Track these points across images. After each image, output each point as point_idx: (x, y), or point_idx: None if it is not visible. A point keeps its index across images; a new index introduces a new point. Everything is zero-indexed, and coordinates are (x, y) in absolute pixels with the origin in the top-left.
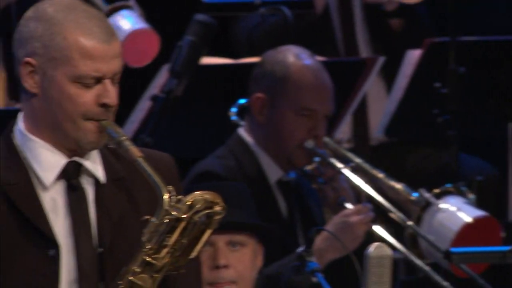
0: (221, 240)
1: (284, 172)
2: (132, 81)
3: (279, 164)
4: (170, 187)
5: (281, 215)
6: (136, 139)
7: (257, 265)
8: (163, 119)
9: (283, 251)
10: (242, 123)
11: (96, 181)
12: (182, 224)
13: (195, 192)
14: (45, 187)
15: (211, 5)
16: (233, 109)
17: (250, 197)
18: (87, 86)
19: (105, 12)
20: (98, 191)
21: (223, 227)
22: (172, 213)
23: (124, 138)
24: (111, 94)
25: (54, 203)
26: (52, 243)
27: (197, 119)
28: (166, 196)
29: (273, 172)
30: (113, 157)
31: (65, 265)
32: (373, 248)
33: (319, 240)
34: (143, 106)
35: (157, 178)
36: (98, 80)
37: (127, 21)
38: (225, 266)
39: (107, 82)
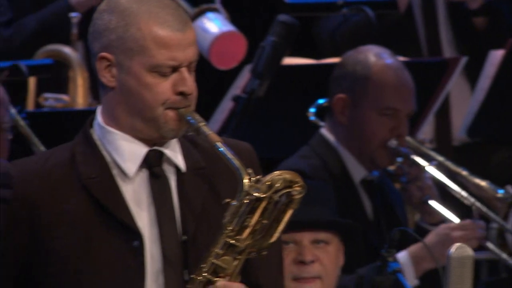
0: (306, 237)
1: (367, 172)
2: (214, 82)
3: (363, 163)
4: (250, 170)
5: (366, 214)
6: None
7: (339, 262)
8: (245, 119)
9: (366, 250)
10: (321, 123)
11: (177, 170)
12: (263, 204)
13: (274, 172)
14: (126, 179)
15: (294, 6)
16: (312, 110)
17: (332, 196)
18: (164, 75)
19: (191, 15)
20: (179, 179)
21: (309, 225)
22: (252, 193)
23: (202, 124)
24: (188, 82)
25: (136, 193)
26: (135, 234)
27: (278, 120)
28: (245, 178)
29: (357, 171)
30: (192, 148)
31: (150, 255)
32: (454, 248)
33: (417, 247)
34: (225, 107)
35: (236, 161)
36: (175, 69)
37: (214, 24)
38: (311, 262)
39: (183, 70)
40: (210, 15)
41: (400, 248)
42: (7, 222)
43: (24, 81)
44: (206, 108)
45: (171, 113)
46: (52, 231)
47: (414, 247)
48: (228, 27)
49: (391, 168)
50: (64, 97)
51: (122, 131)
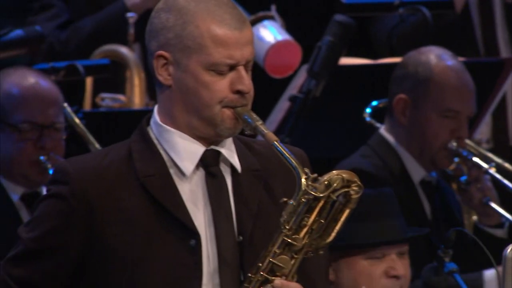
0: (394, 251)
1: (426, 172)
2: (271, 82)
3: (422, 164)
4: (307, 169)
5: (425, 215)
6: None
7: None
8: (301, 119)
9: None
10: (377, 124)
11: (233, 170)
12: (320, 204)
13: (332, 171)
14: (183, 177)
15: (350, 6)
16: (368, 110)
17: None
18: (221, 74)
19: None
20: (235, 179)
21: (402, 241)
22: (310, 192)
23: (259, 123)
24: (245, 80)
25: (192, 193)
26: (192, 233)
27: (334, 119)
28: (303, 177)
29: (416, 172)
30: (246, 150)
31: (206, 255)
32: (510, 249)
33: None
34: (282, 107)
35: (293, 160)
36: (232, 67)
37: (269, 32)
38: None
39: (241, 69)
40: (266, 23)
41: (457, 249)
42: (64, 219)
43: (81, 81)
44: (263, 108)
45: (228, 112)
46: (109, 228)
47: None
48: (283, 36)
49: (450, 169)
50: (121, 97)
51: (179, 130)
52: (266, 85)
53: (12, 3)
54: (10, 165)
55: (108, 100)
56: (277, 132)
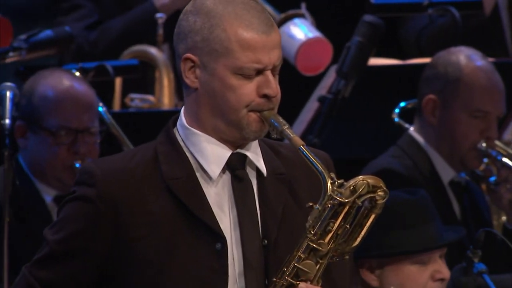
0: (437, 254)
1: (456, 173)
2: (300, 82)
3: (452, 164)
4: (332, 174)
5: (455, 215)
6: (303, 140)
7: None
8: (330, 120)
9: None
10: (406, 125)
11: (258, 174)
12: (345, 209)
13: (357, 177)
14: (209, 181)
15: (379, 6)
16: (396, 111)
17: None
18: (248, 78)
19: (278, 20)
20: (260, 183)
21: (447, 245)
22: (335, 197)
23: (286, 127)
24: (272, 84)
25: (218, 196)
26: (218, 236)
27: (364, 120)
28: (328, 182)
29: (446, 172)
30: (271, 153)
31: (231, 258)
32: None
33: None
34: (311, 107)
35: (319, 165)
36: (259, 71)
37: (300, 30)
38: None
39: (268, 73)
40: (297, 21)
41: (486, 249)
42: (90, 222)
43: (110, 81)
44: (291, 108)
45: (254, 115)
46: (135, 231)
47: None
48: (314, 33)
49: (479, 169)
50: (150, 97)
51: (205, 133)
52: (295, 85)
53: (42, 3)
54: (44, 168)
55: (137, 100)
56: (305, 133)
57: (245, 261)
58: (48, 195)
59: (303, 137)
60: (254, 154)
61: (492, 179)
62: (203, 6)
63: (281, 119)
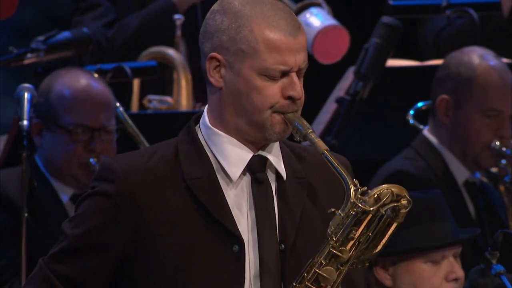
0: (451, 253)
1: (470, 173)
2: (318, 83)
3: (466, 165)
4: (356, 180)
5: (470, 216)
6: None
7: None
8: (349, 121)
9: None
10: (420, 126)
11: (278, 177)
12: (368, 217)
13: (382, 185)
14: (229, 182)
15: (398, 7)
16: (411, 112)
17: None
18: (273, 79)
19: (294, 9)
20: (280, 186)
21: (460, 243)
22: (359, 205)
23: (310, 131)
24: (297, 87)
25: (237, 198)
26: (236, 238)
27: (382, 121)
28: (352, 189)
29: (460, 172)
30: (293, 157)
31: (248, 260)
32: None
33: None
34: (329, 108)
35: (343, 171)
36: (284, 73)
37: (316, 18)
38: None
39: (293, 75)
40: (313, 10)
41: (503, 250)
42: (110, 218)
43: (128, 83)
44: (310, 109)
45: (278, 117)
46: (154, 229)
47: None
48: (331, 21)
49: (494, 169)
50: (168, 99)
51: (228, 133)
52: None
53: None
54: (60, 166)
55: (155, 102)
56: (323, 134)
57: (262, 264)
58: (65, 193)
59: (321, 138)
60: (275, 157)
61: (507, 178)
62: (231, 6)
63: (305, 122)
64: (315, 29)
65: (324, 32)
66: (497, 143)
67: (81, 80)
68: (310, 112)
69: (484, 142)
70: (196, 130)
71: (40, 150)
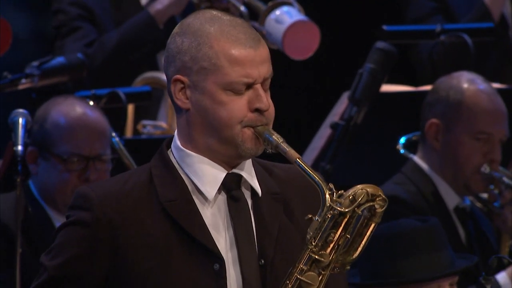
0: (447, 282)
1: (460, 198)
2: (313, 108)
3: (456, 189)
4: (331, 184)
5: (461, 242)
6: (316, 167)
7: None
8: (343, 146)
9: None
10: (411, 155)
11: (253, 194)
12: (345, 219)
13: (356, 186)
14: (205, 202)
15: (392, 33)
16: (401, 142)
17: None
18: (239, 93)
19: (265, 9)
20: (256, 203)
21: (454, 273)
22: (335, 207)
23: (281, 141)
24: (263, 98)
25: (214, 217)
26: (216, 257)
27: (377, 146)
28: (327, 193)
29: (450, 198)
30: (266, 173)
31: (229, 279)
32: None
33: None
34: (323, 134)
35: (317, 177)
36: (249, 86)
37: (286, 15)
38: None
39: (258, 87)
40: (284, 8)
41: (495, 273)
42: (88, 246)
43: (122, 108)
44: (304, 134)
45: (248, 132)
46: (133, 254)
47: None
48: (300, 16)
49: (484, 195)
50: (162, 124)
51: (200, 153)
52: (307, 112)
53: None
54: (54, 194)
55: (149, 127)
56: (318, 160)
57: (244, 281)
58: (59, 221)
59: (315, 163)
60: (249, 174)
61: (497, 203)
62: (190, 26)
63: (276, 134)
64: (284, 25)
65: (294, 27)
66: (487, 167)
67: (77, 109)
68: (304, 137)
69: (474, 166)
70: (168, 153)
71: (35, 177)
